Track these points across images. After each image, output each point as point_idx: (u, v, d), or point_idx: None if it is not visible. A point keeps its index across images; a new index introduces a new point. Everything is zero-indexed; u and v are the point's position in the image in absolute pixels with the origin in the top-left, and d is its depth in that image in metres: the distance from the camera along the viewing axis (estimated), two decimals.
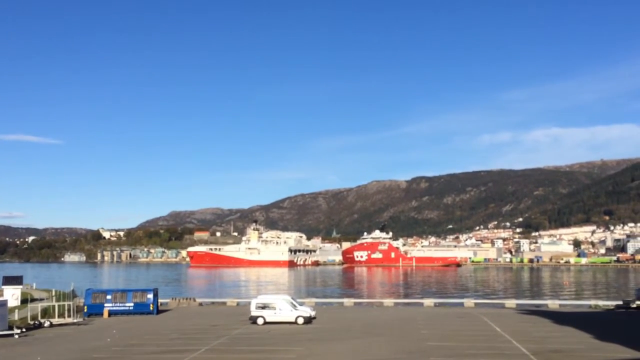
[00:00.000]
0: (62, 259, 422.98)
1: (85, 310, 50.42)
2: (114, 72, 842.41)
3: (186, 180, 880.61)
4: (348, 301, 64.55)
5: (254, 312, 43.66)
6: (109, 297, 51.69)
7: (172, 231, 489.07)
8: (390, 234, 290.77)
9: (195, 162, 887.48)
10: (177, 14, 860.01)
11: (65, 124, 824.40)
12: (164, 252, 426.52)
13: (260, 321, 43.09)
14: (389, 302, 64.40)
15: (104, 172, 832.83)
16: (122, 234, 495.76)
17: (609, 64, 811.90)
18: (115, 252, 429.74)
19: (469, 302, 61.93)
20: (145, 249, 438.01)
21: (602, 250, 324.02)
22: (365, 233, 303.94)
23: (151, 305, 51.46)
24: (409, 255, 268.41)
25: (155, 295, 52.81)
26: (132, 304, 51.26)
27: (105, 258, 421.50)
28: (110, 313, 50.40)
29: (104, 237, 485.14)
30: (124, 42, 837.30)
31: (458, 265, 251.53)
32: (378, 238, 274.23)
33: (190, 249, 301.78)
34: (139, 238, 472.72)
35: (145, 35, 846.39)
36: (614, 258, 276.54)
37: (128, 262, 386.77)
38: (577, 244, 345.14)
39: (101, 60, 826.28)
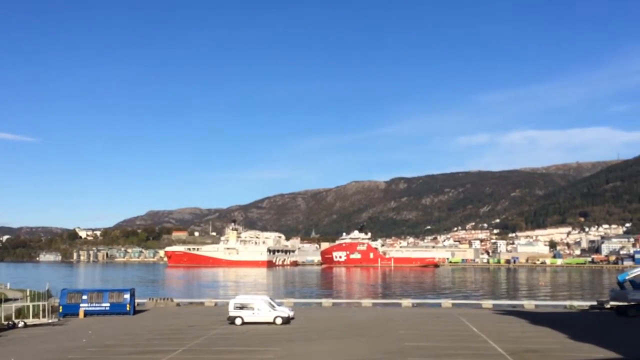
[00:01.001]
0: (37, 259, 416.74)
1: (61, 310, 49.79)
2: (92, 69, 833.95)
3: (164, 179, 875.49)
4: (326, 301, 64.59)
5: (232, 313, 43.50)
6: (84, 297, 51.08)
7: (149, 231, 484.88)
8: (369, 234, 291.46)
9: (173, 161, 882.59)
10: (155, 11, 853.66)
11: (41, 122, 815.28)
12: (141, 252, 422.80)
13: (238, 321, 42.94)
14: (367, 302, 64.55)
15: (81, 170, 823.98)
16: (98, 233, 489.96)
17: (585, 68, 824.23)
18: (91, 252, 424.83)
19: (447, 302, 62.38)
20: (123, 249, 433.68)
21: (577, 252, 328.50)
22: (344, 233, 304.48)
23: (128, 305, 50.96)
24: (387, 256, 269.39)
25: (132, 296, 52.31)
26: (108, 304, 50.71)
27: (82, 258, 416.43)
28: (86, 313, 49.83)
29: (80, 237, 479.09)
30: (102, 39, 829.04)
31: (436, 265, 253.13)
32: (357, 238, 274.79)
33: (168, 248, 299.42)
34: (116, 238, 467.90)
35: (122, 32, 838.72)
36: (589, 259, 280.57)
37: (105, 262, 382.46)
38: (552, 245, 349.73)
39: (78, 57, 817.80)
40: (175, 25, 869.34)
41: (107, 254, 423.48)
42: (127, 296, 51.56)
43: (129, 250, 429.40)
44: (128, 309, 50.86)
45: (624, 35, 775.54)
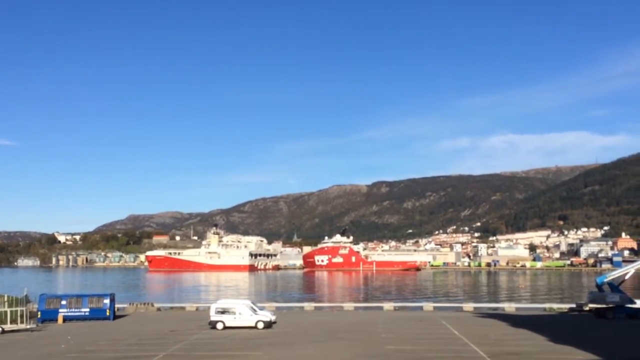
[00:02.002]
0: (15, 264, 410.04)
1: (39, 316, 49.02)
2: (70, 71, 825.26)
3: (145, 183, 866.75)
4: (308, 305, 64.53)
5: (214, 317, 43.29)
6: (63, 302, 50.44)
7: (130, 235, 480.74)
8: (351, 238, 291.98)
9: (154, 164, 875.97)
10: (135, 11, 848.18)
11: (18, 125, 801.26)
12: (121, 256, 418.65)
13: (219, 326, 42.74)
14: (349, 306, 64.59)
15: (60, 174, 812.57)
16: (78, 237, 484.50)
17: (563, 72, 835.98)
18: (70, 257, 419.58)
19: (428, 305, 62.67)
20: (102, 253, 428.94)
21: (557, 255, 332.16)
22: (326, 237, 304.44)
23: (108, 310, 50.48)
24: (369, 260, 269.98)
25: (112, 301, 51.80)
26: (87, 310, 50.15)
27: (61, 262, 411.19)
28: (65, 319, 49.22)
29: (59, 241, 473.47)
30: (79, 39, 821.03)
31: (417, 269, 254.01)
32: (339, 242, 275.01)
33: (149, 253, 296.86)
34: (95, 242, 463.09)
35: (99, 33, 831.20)
36: (568, 262, 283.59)
37: (84, 267, 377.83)
38: (532, 248, 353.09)
39: (56, 59, 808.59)
40: (156, 26, 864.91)
41: (86, 259, 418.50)
42: (107, 301, 51.03)
43: (109, 254, 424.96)
44: (108, 314, 50.37)
45: (601, 41, 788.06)
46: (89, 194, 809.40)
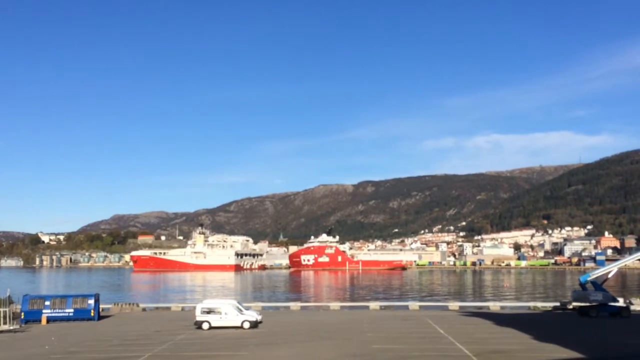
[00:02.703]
0: None
1: (22, 316, 48.53)
2: (55, 69, 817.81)
3: (130, 182, 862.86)
4: (295, 305, 64.47)
5: (199, 317, 43.11)
6: (47, 303, 49.91)
7: (115, 235, 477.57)
8: (337, 237, 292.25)
9: (139, 164, 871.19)
10: (117, 9, 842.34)
11: (1, 124, 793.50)
12: (106, 256, 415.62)
13: (205, 326, 42.57)
14: (335, 305, 64.59)
15: (44, 173, 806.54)
16: (62, 237, 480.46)
17: (547, 73, 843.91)
18: (54, 257, 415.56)
19: (414, 304, 62.85)
20: (87, 254, 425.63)
21: (541, 254, 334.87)
22: (312, 237, 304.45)
23: (92, 311, 50.06)
24: (355, 259, 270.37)
25: (97, 301, 51.39)
26: (72, 310, 49.67)
27: (44, 263, 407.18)
28: (49, 319, 48.73)
29: (43, 241, 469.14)
30: (59, 37, 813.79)
31: (403, 268, 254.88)
32: (325, 242, 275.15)
33: (134, 253, 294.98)
34: (80, 242, 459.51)
35: (75, 31, 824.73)
36: (552, 261, 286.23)
37: (68, 267, 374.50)
38: (517, 247, 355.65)
39: (40, 57, 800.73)
40: (140, 25, 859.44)
41: (70, 259, 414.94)
42: (91, 301, 50.61)
43: (94, 255, 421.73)
44: (92, 314, 49.95)
45: (584, 41, 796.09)
46: (73, 194, 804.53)
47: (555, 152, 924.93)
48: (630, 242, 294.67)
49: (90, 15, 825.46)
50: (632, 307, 51.80)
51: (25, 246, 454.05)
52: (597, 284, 51.80)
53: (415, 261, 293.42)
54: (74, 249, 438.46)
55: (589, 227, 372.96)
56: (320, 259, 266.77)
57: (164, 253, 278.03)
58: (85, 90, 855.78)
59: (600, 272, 54.51)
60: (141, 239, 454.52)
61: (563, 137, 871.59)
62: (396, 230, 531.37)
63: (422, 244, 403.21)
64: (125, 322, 49.37)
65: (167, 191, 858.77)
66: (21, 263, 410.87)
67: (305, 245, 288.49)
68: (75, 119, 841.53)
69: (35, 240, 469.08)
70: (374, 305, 62.84)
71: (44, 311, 49.07)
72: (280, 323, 46.81)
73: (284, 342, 35.97)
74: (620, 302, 50.76)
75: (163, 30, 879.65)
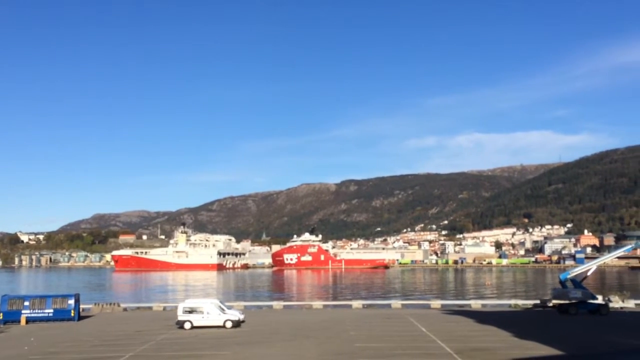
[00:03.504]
0: None
1: (1, 317, 47.86)
2: (34, 66, 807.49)
3: (111, 181, 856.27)
4: (277, 304, 64.41)
5: (181, 317, 42.87)
6: (26, 303, 49.26)
7: (95, 234, 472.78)
8: (320, 236, 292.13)
9: (120, 163, 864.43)
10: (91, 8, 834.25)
11: None
12: (86, 256, 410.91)
13: (187, 326, 42.35)
14: (318, 304, 64.61)
15: (23, 172, 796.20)
16: (41, 237, 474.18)
17: (527, 73, 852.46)
18: (34, 257, 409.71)
19: (396, 303, 63.09)
20: (67, 253, 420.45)
21: (522, 252, 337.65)
22: (295, 236, 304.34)
23: (72, 311, 49.52)
24: (338, 258, 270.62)
25: (77, 301, 50.84)
26: (51, 310, 49.10)
27: (24, 263, 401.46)
28: (28, 320, 48.10)
29: (22, 241, 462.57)
30: (34, 35, 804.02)
31: (386, 267, 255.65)
32: (308, 241, 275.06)
33: (115, 252, 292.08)
34: (60, 242, 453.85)
35: (55, 30, 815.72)
36: (533, 259, 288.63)
37: (48, 267, 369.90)
38: (498, 245, 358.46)
39: (21, 54, 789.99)
40: (119, 26, 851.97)
41: (50, 259, 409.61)
42: (71, 302, 50.06)
43: (74, 254, 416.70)
44: (72, 314, 49.41)
45: (564, 41, 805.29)
46: (54, 193, 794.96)
47: (536, 151, 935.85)
48: (609, 240, 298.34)
49: (75, 12, 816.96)
50: (611, 305, 52.49)
51: (4, 246, 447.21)
52: (577, 282, 52.43)
53: (397, 260, 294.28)
54: (53, 249, 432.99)
55: (569, 225, 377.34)
56: (303, 258, 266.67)
57: (146, 252, 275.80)
58: (66, 88, 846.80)
59: (579, 270, 55.19)
60: (122, 238, 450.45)
61: (543, 136, 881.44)
62: (379, 229, 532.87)
63: (404, 242, 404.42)
64: (106, 322, 48.94)
65: (149, 190, 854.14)
66: (0, 263, 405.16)
67: (288, 244, 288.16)
68: (55, 117, 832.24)
69: (14, 239, 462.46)
70: (356, 304, 62.95)
71: (23, 311, 48.42)
72: (263, 322, 46.74)
73: (266, 341, 35.92)
74: (599, 300, 51.45)
75: (145, 29, 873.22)
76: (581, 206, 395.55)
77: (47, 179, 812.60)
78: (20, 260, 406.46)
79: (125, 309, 61.89)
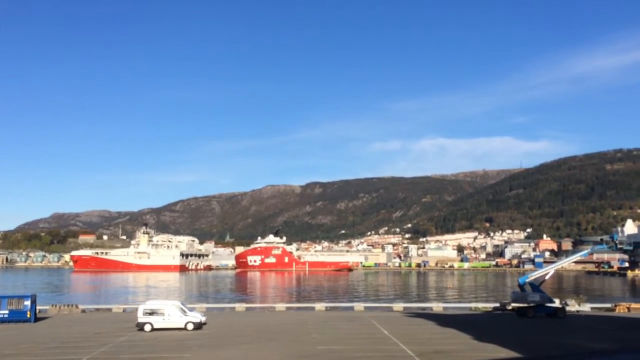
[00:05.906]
0: None
1: None
2: None
3: (71, 180, 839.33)
4: (240, 306, 64.11)
5: (141, 319, 42.23)
6: None
7: (54, 234, 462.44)
8: (284, 238, 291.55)
9: (81, 161, 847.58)
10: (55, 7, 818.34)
11: None
12: (44, 256, 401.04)
13: (147, 328, 41.73)
14: (281, 306, 64.52)
15: None
16: None
17: (489, 80, 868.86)
18: None
19: (359, 305, 63.40)
20: (24, 253, 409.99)
21: (483, 255, 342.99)
22: (259, 237, 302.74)
23: (28, 312, 48.41)
24: (302, 260, 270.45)
25: (33, 302, 49.68)
26: (7, 312, 47.94)
27: None
28: None
29: None
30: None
31: (350, 269, 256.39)
32: (272, 242, 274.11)
33: (74, 252, 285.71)
34: (17, 241, 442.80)
35: (12, 27, 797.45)
36: (493, 263, 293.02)
37: (4, 267, 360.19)
38: (460, 249, 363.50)
39: None
40: (81, 23, 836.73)
41: (6, 259, 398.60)
42: (27, 303, 48.89)
43: (31, 254, 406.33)
44: (29, 316, 48.31)
45: (525, 49, 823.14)
46: (10, 191, 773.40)
47: (497, 157, 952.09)
48: (566, 245, 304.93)
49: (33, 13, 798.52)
50: (568, 308, 53.66)
51: None
52: (535, 286, 53.48)
53: (361, 262, 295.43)
54: (10, 248, 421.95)
55: (529, 230, 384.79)
56: (267, 260, 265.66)
57: (106, 253, 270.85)
58: (24, 86, 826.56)
59: (538, 274, 56.38)
60: (82, 238, 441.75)
61: (505, 142, 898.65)
62: (343, 231, 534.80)
63: (368, 245, 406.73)
64: (63, 324, 47.94)
65: (110, 190, 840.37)
66: None
67: (252, 246, 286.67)
68: (14, 116, 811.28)
69: None
70: (319, 306, 63.05)
71: None
72: (225, 324, 46.41)
73: (228, 343, 35.66)
74: (557, 303, 52.51)
75: (112, 27, 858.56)
76: (540, 211, 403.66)
77: (4, 177, 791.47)
78: None
79: (83, 311, 60.74)
